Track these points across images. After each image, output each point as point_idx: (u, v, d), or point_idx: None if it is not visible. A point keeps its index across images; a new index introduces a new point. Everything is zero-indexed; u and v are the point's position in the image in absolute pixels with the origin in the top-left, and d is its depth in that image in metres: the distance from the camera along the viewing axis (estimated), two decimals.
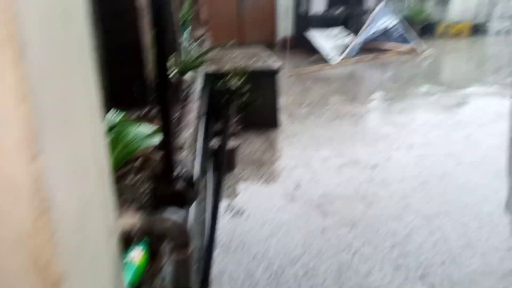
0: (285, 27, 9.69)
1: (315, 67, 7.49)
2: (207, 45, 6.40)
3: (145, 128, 1.51)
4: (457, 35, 10.41)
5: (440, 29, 10.38)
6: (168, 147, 1.42)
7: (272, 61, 4.45)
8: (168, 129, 1.43)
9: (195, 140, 2.43)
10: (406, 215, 2.81)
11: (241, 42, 9.83)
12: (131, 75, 2.70)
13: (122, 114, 1.67)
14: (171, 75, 3.12)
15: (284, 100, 5.48)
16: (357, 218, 2.80)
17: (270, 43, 9.83)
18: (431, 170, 3.46)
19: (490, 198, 2.97)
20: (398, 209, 2.90)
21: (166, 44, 1.34)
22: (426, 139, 4.11)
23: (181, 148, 1.99)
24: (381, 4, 8.70)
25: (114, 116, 1.66)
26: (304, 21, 9.03)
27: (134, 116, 2.21)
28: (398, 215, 2.82)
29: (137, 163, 1.63)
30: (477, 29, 10.60)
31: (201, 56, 3.30)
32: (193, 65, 3.16)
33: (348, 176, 3.39)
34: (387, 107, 5.35)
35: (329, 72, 7.29)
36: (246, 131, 4.16)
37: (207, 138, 3.17)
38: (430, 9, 10.48)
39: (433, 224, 2.70)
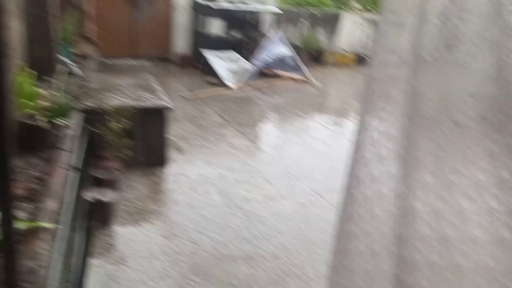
0: (181, 44, 9.46)
1: (212, 91, 7.41)
2: (92, 63, 5.92)
3: None
4: (344, 64, 11.20)
5: (329, 58, 11.05)
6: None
7: (162, 96, 4.23)
8: (9, 228, 1.15)
9: (62, 202, 2.12)
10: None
11: (134, 56, 9.37)
12: None
13: None
14: (37, 121, 2.75)
15: (176, 130, 5.28)
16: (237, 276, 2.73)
17: (164, 59, 9.52)
18: (315, 220, 3.56)
19: None
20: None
21: None
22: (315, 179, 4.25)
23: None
24: (277, 31, 8.96)
25: None
26: (201, 40, 8.90)
27: None
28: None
29: None
30: (363, 60, 11.51)
31: (77, 99, 2.97)
32: (66, 109, 2.82)
33: (235, 224, 3.33)
34: (281, 142, 5.46)
35: (225, 97, 7.25)
36: (131, 173, 3.87)
37: (81, 191, 2.84)
38: (321, 37, 11.12)
39: None
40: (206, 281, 2.72)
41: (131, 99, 4.05)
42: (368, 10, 12.27)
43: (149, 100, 4.09)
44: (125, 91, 4.33)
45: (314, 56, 10.69)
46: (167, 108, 4.07)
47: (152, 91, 4.45)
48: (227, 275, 2.79)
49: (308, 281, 2.81)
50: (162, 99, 4.16)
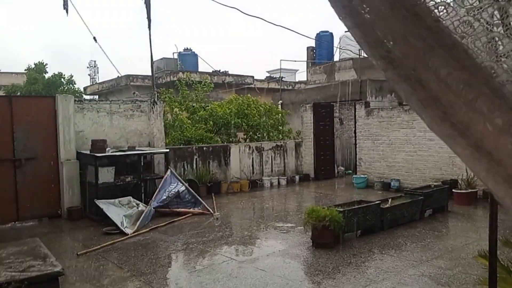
0: (71, 197, 9.07)
1: (107, 242, 7.00)
2: None
3: None
4: (240, 190, 11.69)
5: (224, 186, 11.50)
6: None
7: (51, 262, 3.89)
8: None
9: None
10: None
11: (21, 218, 8.65)
12: None
13: None
14: None
15: None
16: None
17: (54, 215, 8.95)
18: None
19: None
20: None
21: None
22: None
23: None
24: (170, 170, 9.17)
25: None
26: (93, 190, 8.66)
27: None
28: None
29: None
30: (255, 184, 12.21)
31: None
32: None
33: None
34: (189, 286, 5.21)
35: (125, 245, 6.89)
36: None
37: None
38: (214, 170, 11.66)
39: None
40: None
41: (15, 271, 3.65)
42: (252, 139, 13.43)
43: (35, 268, 3.73)
44: (8, 262, 3.90)
45: (209, 187, 11.02)
46: (57, 273, 3.73)
47: (39, 256, 4.08)
48: None
49: None
50: (50, 264, 3.83)
